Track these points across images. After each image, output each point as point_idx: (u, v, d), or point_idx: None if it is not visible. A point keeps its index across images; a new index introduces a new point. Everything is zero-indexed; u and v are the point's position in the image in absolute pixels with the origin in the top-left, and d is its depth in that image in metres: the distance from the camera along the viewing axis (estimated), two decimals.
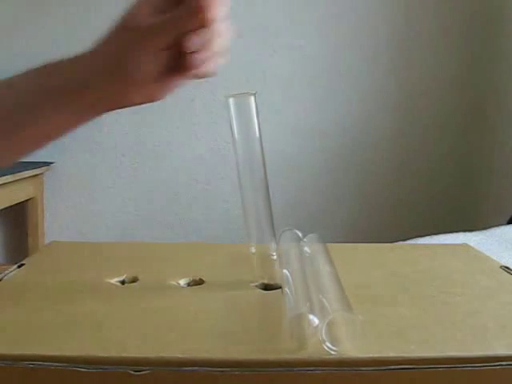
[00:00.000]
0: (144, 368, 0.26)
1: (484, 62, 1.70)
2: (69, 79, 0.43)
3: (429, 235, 0.92)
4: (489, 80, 1.71)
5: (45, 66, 0.44)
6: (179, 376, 0.26)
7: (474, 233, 0.99)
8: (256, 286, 0.36)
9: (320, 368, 0.26)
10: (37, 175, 1.73)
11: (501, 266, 0.40)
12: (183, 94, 1.75)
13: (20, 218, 1.80)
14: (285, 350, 0.27)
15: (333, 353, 0.26)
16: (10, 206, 1.66)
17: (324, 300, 0.29)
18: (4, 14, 1.75)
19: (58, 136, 0.47)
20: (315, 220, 1.80)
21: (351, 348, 0.27)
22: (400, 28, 1.68)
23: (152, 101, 0.43)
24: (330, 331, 0.27)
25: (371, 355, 0.27)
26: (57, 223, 1.86)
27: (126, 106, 0.43)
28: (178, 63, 0.41)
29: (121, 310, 0.32)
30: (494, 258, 0.43)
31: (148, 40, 0.40)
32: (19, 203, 1.71)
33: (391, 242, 0.55)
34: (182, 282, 0.37)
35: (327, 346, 0.27)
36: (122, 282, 0.37)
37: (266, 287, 0.36)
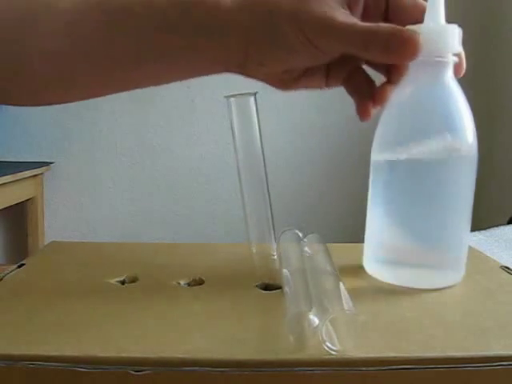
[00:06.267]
0: (144, 368, 0.26)
1: (484, 63, 1.69)
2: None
3: None
4: (489, 80, 1.71)
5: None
6: (179, 376, 0.26)
7: (473, 233, 0.99)
8: (256, 285, 0.36)
9: (320, 368, 0.26)
10: (37, 175, 1.73)
11: (501, 266, 0.40)
12: (183, 94, 1.75)
13: (20, 217, 1.80)
14: (285, 350, 0.27)
15: (333, 353, 0.26)
16: (10, 206, 1.66)
17: (324, 300, 0.29)
18: None
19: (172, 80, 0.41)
20: (315, 220, 1.80)
21: (351, 348, 0.27)
22: None
23: (279, 87, 0.39)
24: (330, 331, 0.28)
25: (371, 355, 0.27)
26: (57, 223, 1.86)
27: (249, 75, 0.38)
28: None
29: (121, 309, 0.32)
30: (494, 258, 0.43)
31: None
32: (19, 203, 1.71)
33: None
34: (182, 282, 0.37)
35: (327, 346, 0.27)
36: (122, 282, 0.37)
37: (267, 287, 0.36)
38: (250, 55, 0.36)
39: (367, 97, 0.40)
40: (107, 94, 0.43)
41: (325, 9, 0.35)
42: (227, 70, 0.38)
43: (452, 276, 0.37)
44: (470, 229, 0.37)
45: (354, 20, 0.35)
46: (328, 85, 0.41)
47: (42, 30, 0.39)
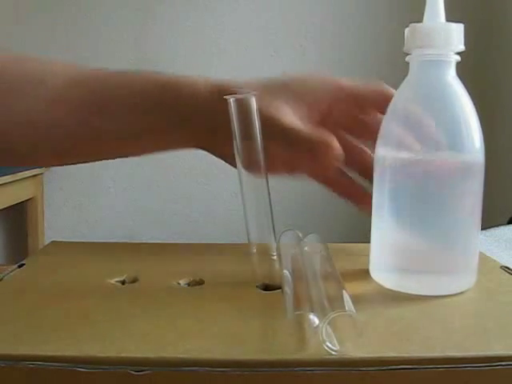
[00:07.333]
0: (144, 368, 0.26)
1: (484, 62, 1.70)
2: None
3: None
4: (490, 80, 1.71)
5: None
6: (179, 376, 0.26)
7: None
8: (256, 286, 0.36)
9: (320, 368, 0.26)
10: (37, 175, 1.73)
11: (501, 266, 0.40)
12: None
13: (20, 217, 1.80)
14: (285, 350, 0.27)
15: (333, 353, 0.26)
16: (10, 206, 1.66)
17: (324, 300, 0.29)
18: (5, 12, 1.75)
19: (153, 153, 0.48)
20: (315, 220, 1.80)
21: (351, 348, 0.27)
22: (402, 29, 1.67)
23: None
24: (330, 331, 0.27)
25: (371, 355, 0.27)
26: (57, 223, 1.86)
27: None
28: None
29: (121, 309, 0.32)
30: (494, 258, 0.43)
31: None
32: (19, 203, 1.71)
33: None
34: (182, 282, 0.37)
35: (327, 346, 0.27)
36: (122, 282, 0.37)
37: (267, 287, 0.36)
38: (217, 137, 0.42)
39: (358, 195, 0.44)
40: (87, 162, 0.48)
41: (279, 109, 0.41)
42: (198, 147, 0.45)
43: (463, 281, 0.35)
44: (479, 233, 0.36)
45: (298, 123, 0.41)
46: (291, 174, 0.46)
47: (30, 103, 0.43)
